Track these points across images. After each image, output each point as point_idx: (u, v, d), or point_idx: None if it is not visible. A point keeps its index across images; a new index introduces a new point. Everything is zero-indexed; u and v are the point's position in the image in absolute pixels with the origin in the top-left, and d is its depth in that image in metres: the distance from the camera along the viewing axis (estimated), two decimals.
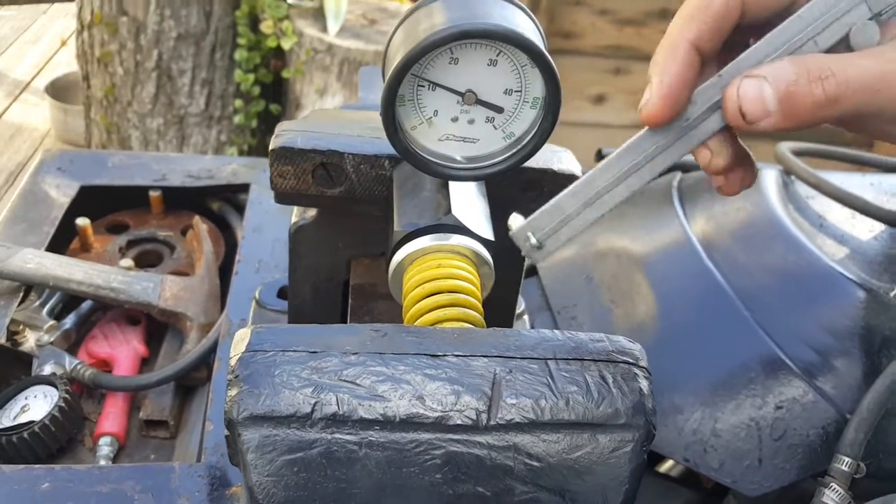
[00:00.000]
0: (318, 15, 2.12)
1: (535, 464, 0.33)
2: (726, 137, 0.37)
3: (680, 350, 0.73)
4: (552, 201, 0.38)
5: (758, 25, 0.37)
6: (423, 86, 0.41)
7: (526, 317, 0.73)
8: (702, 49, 0.36)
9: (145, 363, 0.78)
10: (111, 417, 0.70)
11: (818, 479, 0.52)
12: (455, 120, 0.42)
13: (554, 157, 0.49)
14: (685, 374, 0.71)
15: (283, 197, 0.49)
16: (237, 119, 2.22)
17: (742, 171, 0.39)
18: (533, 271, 0.85)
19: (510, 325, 0.60)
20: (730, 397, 0.69)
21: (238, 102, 2.20)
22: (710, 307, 0.75)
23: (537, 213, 0.38)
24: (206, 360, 0.72)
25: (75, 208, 0.85)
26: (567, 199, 0.38)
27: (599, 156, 1.05)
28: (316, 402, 0.32)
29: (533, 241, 0.38)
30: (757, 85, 0.34)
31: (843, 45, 0.34)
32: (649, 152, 0.37)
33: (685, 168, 1.02)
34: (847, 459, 0.53)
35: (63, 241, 0.83)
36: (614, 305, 0.80)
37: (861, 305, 0.68)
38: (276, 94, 2.27)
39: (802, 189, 0.83)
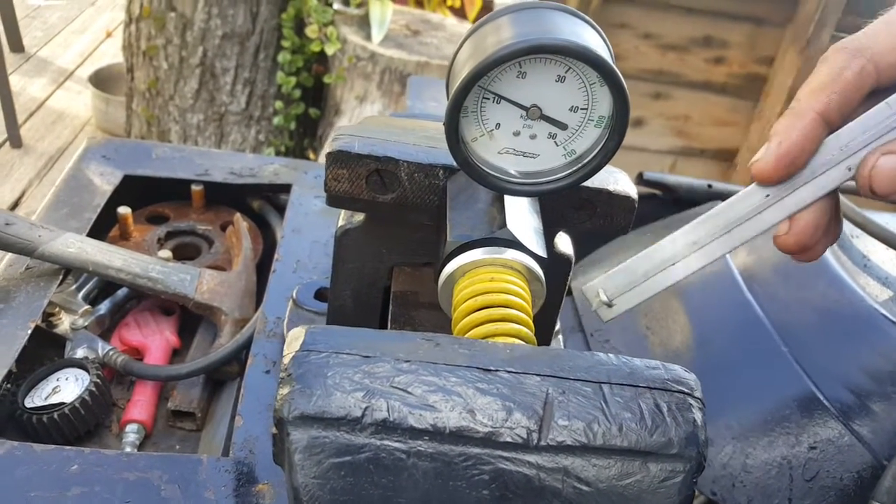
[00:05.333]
0: (363, 23, 2.14)
1: (584, 488, 0.32)
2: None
3: (714, 382, 0.72)
4: (627, 262, 0.38)
5: (893, 89, 0.35)
6: (488, 98, 0.41)
7: (560, 336, 0.72)
8: (829, 119, 0.35)
9: (176, 354, 0.78)
10: (139, 405, 0.70)
11: None
12: (517, 134, 0.42)
13: (610, 177, 0.48)
14: (719, 407, 0.70)
15: (335, 200, 0.49)
16: (276, 120, 2.24)
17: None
18: (567, 292, 0.85)
19: (548, 345, 0.59)
20: (763, 433, 0.68)
21: (278, 104, 2.23)
22: (748, 340, 0.74)
23: (612, 271, 0.39)
24: (238, 356, 0.72)
25: (117, 197, 0.86)
26: (641, 262, 0.37)
27: (641, 179, 1.05)
28: (367, 407, 0.32)
29: (604, 297, 0.38)
30: (893, 163, 0.33)
31: None
32: (741, 215, 0.36)
33: (726, 198, 1.01)
34: None
35: (103, 228, 0.84)
36: (650, 332, 0.79)
37: None
38: (315, 99, 2.29)
39: (847, 227, 0.82)
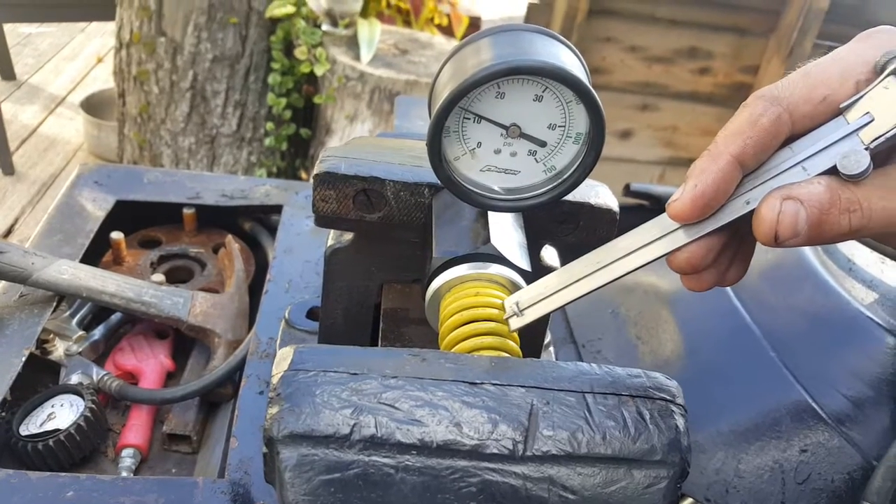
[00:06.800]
0: (352, 43, 2.16)
1: (570, 496, 0.33)
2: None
3: (705, 389, 0.72)
4: (546, 277, 0.40)
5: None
6: (469, 118, 0.42)
7: (551, 349, 0.73)
8: (745, 163, 0.36)
9: (171, 377, 0.79)
10: (135, 429, 0.71)
11: None
12: (498, 152, 0.43)
13: (591, 191, 0.49)
14: (710, 414, 0.70)
15: (324, 220, 0.50)
16: (267, 141, 2.25)
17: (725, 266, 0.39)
18: None
19: (538, 357, 0.60)
20: (754, 438, 0.68)
21: (269, 125, 2.24)
22: (737, 347, 0.74)
23: (531, 284, 0.41)
24: (232, 377, 0.72)
25: (110, 222, 0.86)
26: (555, 277, 0.40)
27: (627, 190, 1.06)
28: (355, 424, 0.32)
29: (516, 308, 0.40)
30: (795, 209, 0.34)
31: (833, 171, 0.35)
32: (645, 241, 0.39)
33: None
34: None
35: (96, 253, 0.85)
36: (640, 341, 0.80)
37: (890, 352, 0.67)
38: (306, 119, 2.31)
39: None
